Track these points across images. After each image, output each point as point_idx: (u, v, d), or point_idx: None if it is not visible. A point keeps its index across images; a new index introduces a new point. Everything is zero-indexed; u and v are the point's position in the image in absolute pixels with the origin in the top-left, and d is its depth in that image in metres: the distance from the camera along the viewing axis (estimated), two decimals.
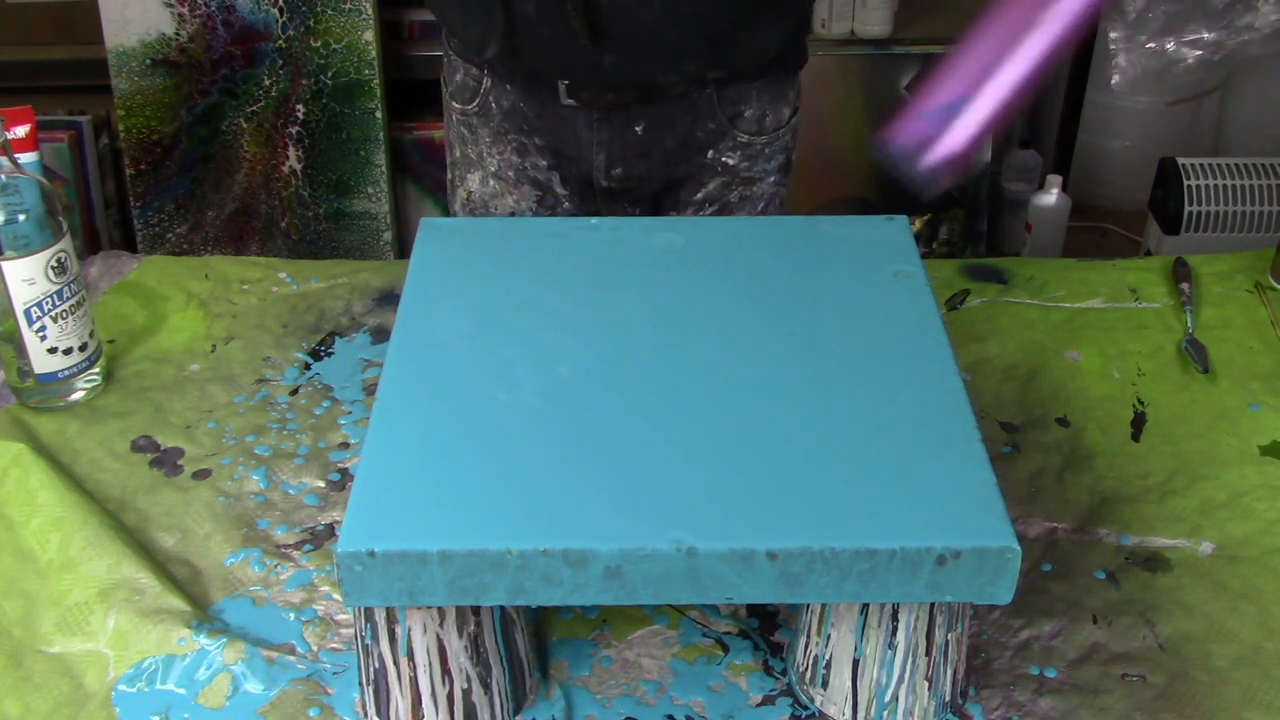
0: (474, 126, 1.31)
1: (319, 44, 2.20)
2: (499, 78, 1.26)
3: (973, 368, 1.19)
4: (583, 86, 1.22)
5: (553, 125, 1.27)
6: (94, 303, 1.27)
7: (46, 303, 1.07)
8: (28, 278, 1.05)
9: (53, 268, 1.06)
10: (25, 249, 1.05)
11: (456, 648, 0.80)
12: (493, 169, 1.32)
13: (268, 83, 2.22)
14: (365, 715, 0.85)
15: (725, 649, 0.91)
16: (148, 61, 2.19)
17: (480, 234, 1.03)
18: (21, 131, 1.19)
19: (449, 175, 1.40)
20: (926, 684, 0.83)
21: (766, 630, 0.92)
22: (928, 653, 0.82)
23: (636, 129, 1.25)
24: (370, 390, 1.16)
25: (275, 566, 0.97)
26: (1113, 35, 2.42)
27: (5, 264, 1.04)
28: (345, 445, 1.09)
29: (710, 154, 1.29)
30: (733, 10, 1.17)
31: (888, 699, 0.83)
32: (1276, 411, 1.13)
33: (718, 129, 1.27)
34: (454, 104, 1.33)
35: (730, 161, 1.29)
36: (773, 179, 1.33)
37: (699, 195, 1.31)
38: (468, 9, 1.21)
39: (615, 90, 1.22)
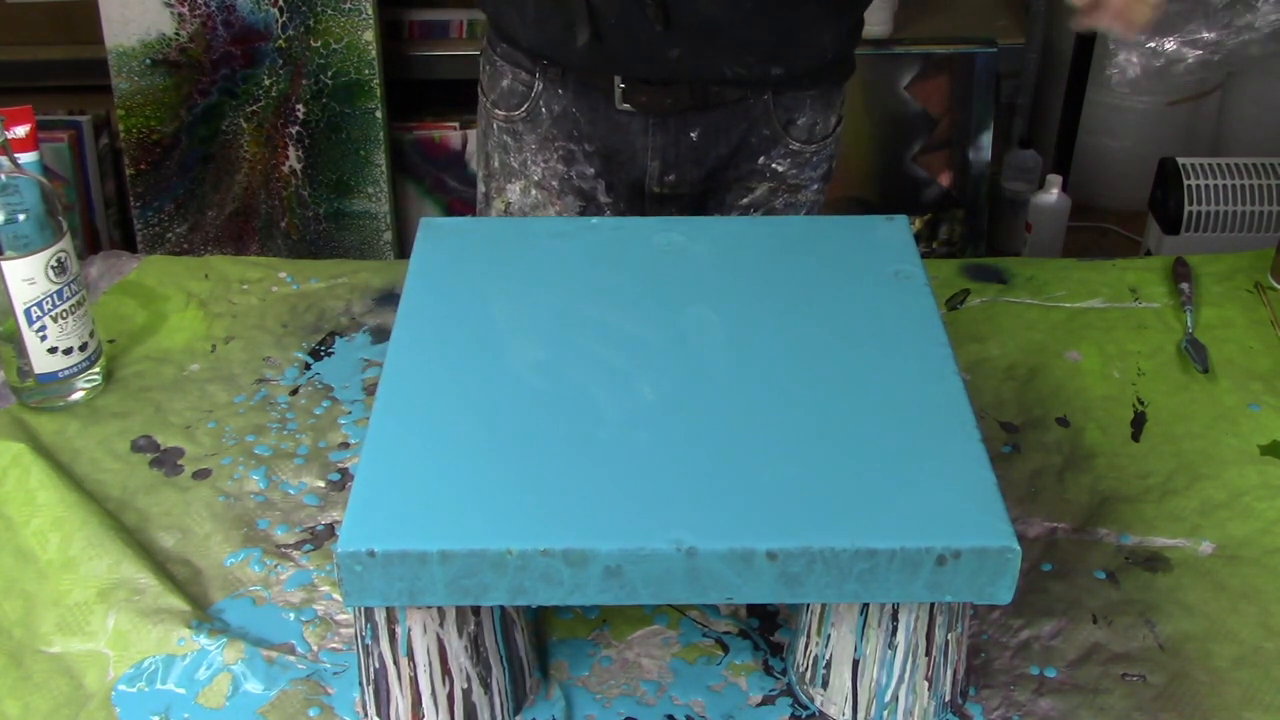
0: (519, 134, 1.30)
1: (319, 44, 2.20)
2: (551, 82, 1.26)
3: (973, 368, 1.19)
4: (642, 88, 1.21)
5: (605, 131, 1.26)
6: (94, 303, 1.27)
7: (46, 303, 1.07)
8: (28, 278, 1.05)
9: (53, 268, 1.06)
10: (25, 249, 1.05)
11: (456, 648, 0.80)
12: (536, 178, 1.31)
13: (268, 83, 2.22)
14: (365, 715, 0.85)
15: (725, 649, 0.91)
16: (148, 61, 2.19)
17: (480, 234, 1.03)
18: (21, 131, 1.19)
19: (482, 189, 1.38)
20: (926, 684, 0.83)
21: (766, 630, 0.92)
22: (928, 653, 0.82)
23: (691, 135, 1.25)
24: (370, 390, 1.15)
25: (275, 566, 0.97)
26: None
27: (5, 264, 1.04)
28: (345, 445, 1.09)
29: (761, 160, 1.29)
30: (793, 7, 1.18)
31: (888, 699, 0.83)
32: (1276, 411, 1.13)
33: (771, 136, 1.28)
34: (497, 111, 1.30)
35: (780, 169, 1.30)
36: (815, 187, 1.34)
37: (745, 200, 1.32)
38: (541, 4, 1.20)
39: (674, 93, 1.22)
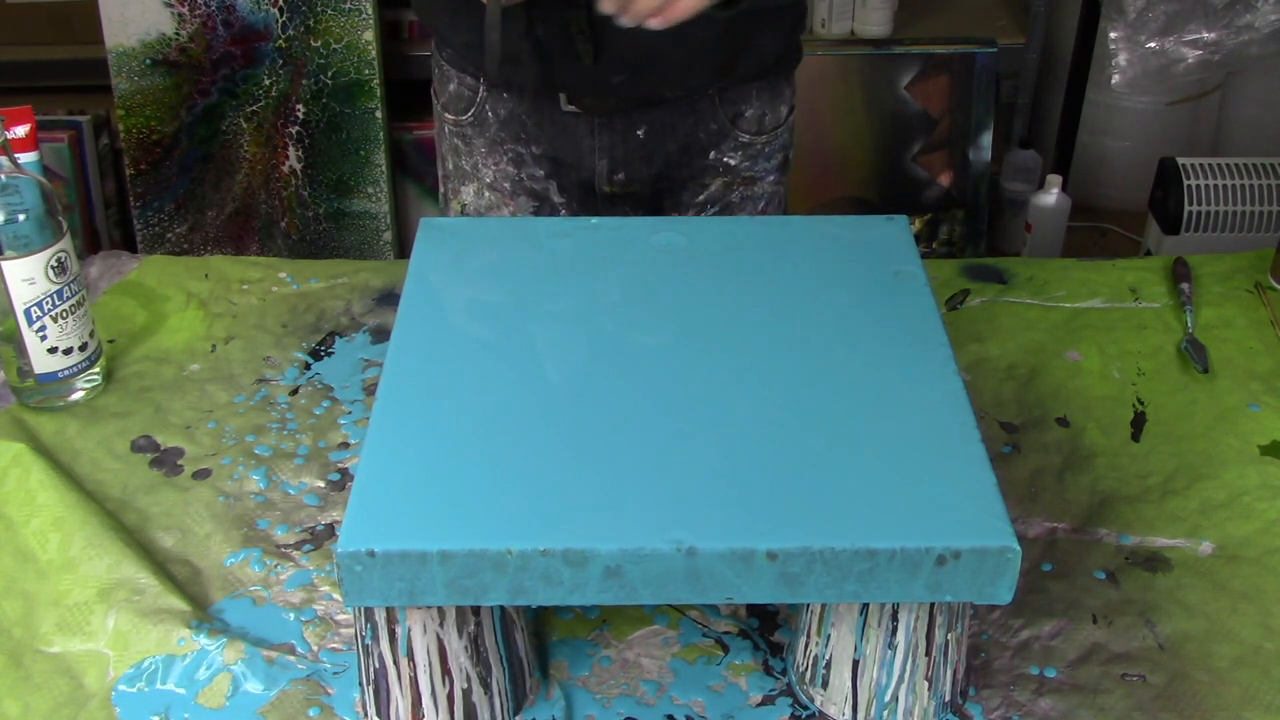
0: (468, 138, 1.30)
1: (319, 44, 2.20)
2: (496, 87, 1.26)
3: (973, 368, 1.19)
4: (585, 95, 1.22)
5: (552, 133, 1.26)
6: (94, 303, 1.27)
7: (46, 303, 1.07)
8: (28, 278, 1.05)
9: (53, 268, 1.06)
10: (25, 249, 1.05)
11: (456, 648, 0.80)
12: (488, 180, 1.31)
13: (268, 83, 2.22)
14: (365, 715, 0.85)
15: (725, 649, 0.91)
16: (148, 61, 2.19)
17: (480, 234, 1.03)
18: (21, 131, 1.19)
19: (442, 190, 1.39)
20: (926, 684, 0.83)
21: (766, 630, 0.92)
22: (928, 653, 0.82)
23: (638, 133, 1.25)
24: (370, 390, 1.16)
25: (275, 566, 0.97)
26: (1113, 35, 2.42)
27: (5, 264, 1.04)
28: (345, 445, 1.09)
29: (712, 155, 1.29)
30: (732, 30, 1.17)
31: (888, 699, 0.83)
32: (1276, 411, 1.13)
33: (719, 130, 1.27)
34: (447, 115, 1.31)
35: (732, 162, 1.29)
36: (772, 178, 1.33)
37: (701, 197, 1.31)
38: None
39: (617, 96, 1.22)
